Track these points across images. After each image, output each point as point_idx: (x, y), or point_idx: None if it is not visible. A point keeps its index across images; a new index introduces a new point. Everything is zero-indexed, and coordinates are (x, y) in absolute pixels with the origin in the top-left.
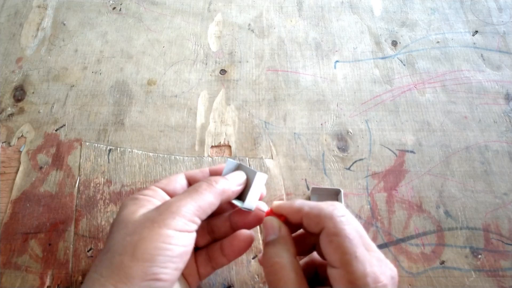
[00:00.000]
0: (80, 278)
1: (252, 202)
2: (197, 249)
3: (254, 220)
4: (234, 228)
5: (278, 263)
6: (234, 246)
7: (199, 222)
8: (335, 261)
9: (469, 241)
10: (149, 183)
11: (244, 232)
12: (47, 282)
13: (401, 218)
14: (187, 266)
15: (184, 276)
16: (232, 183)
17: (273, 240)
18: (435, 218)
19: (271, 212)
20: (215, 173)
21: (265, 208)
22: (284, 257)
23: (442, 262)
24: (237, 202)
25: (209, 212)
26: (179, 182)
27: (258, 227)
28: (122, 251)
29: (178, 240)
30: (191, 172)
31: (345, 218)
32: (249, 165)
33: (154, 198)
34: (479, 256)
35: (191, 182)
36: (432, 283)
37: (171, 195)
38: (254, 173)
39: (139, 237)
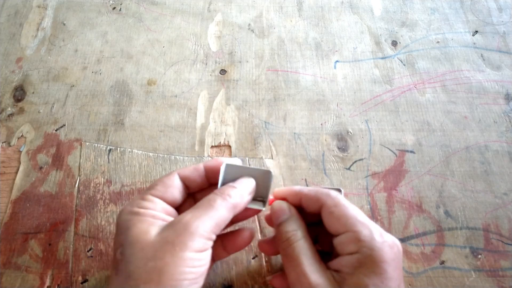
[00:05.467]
0: (80, 278)
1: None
2: None
3: (245, 241)
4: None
5: (295, 235)
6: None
7: (214, 238)
8: (340, 228)
9: (469, 241)
10: (149, 183)
11: (246, 229)
12: (47, 282)
13: (401, 218)
14: None
15: None
16: (245, 194)
17: (285, 219)
18: (435, 218)
19: (275, 199)
20: (210, 171)
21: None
22: (299, 230)
23: (442, 262)
24: (252, 205)
25: (223, 227)
26: (176, 187)
27: (257, 226)
28: (147, 279)
29: (200, 261)
30: (185, 172)
31: (341, 196)
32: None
33: (155, 211)
34: (479, 256)
35: (187, 182)
36: (432, 283)
37: (170, 203)
38: (260, 171)
39: (162, 262)
